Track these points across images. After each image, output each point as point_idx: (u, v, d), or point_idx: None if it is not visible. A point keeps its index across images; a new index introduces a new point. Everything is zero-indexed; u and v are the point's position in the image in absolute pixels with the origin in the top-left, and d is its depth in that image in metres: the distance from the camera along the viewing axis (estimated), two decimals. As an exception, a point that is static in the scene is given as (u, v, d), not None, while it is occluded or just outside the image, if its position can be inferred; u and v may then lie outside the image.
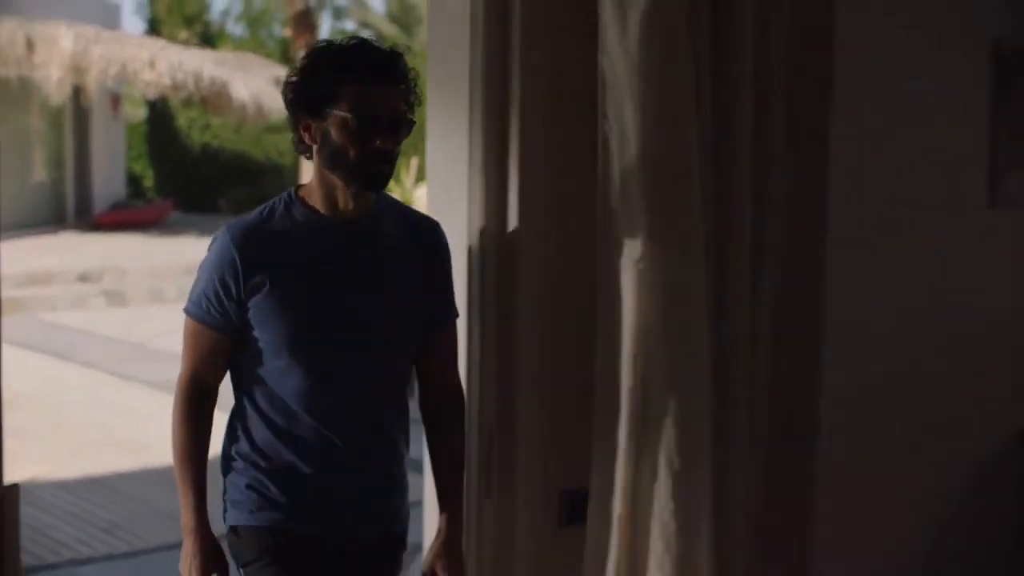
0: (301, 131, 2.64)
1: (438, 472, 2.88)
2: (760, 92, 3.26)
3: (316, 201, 2.67)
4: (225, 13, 41.02)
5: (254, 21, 32.28)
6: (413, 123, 2.63)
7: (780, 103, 3.30)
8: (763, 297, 3.33)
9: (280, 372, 2.66)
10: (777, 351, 3.38)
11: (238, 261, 2.60)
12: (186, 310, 2.70)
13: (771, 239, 3.34)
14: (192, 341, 2.71)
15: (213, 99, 19.28)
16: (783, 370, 3.42)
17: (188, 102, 21.52)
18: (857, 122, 3.61)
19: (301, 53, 2.69)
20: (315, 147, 2.63)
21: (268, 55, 26.31)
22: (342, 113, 2.55)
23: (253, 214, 2.68)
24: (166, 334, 12.87)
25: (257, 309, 2.62)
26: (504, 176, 3.30)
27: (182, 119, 25.61)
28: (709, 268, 3.20)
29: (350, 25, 32.58)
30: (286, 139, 28.76)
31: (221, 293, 2.63)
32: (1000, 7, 3.93)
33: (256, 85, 19.89)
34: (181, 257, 17.74)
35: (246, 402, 2.72)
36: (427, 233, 2.80)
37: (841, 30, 3.52)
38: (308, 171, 2.72)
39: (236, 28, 32.87)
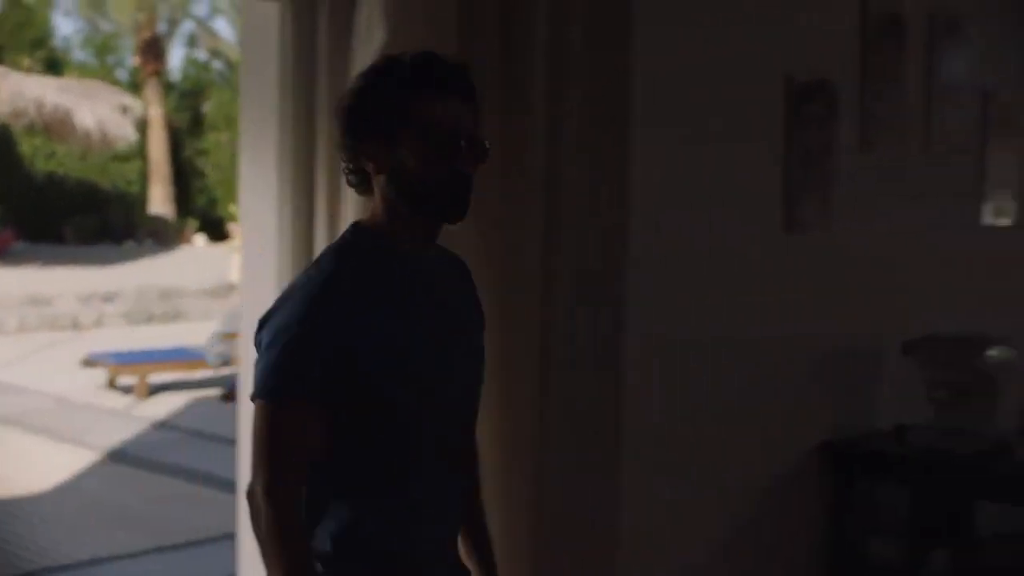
0: (363, 160, 2.29)
1: (475, 530, 2.57)
2: (553, 125, 3.39)
3: (384, 238, 2.28)
4: (70, 40, 40.32)
5: (101, 48, 31.81)
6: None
7: (574, 134, 3.43)
8: (557, 313, 3.45)
9: (386, 438, 2.25)
10: (575, 369, 3.50)
11: (329, 322, 2.16)
12: (274, 395, 2.16)
13: (568, 264, 3.46)
14: (286, 431, 2.16)
15: (56, 126, 19.02)
16: (582, 389, 3.54)
17: (31, 129, 21.14)
18: (657, 152, 3.75)
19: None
20: (382, 177, 2.27)
21: (115, 83, 25.96)
22: (418, 134, 2.22)
23: (327, 264, 2.26)
24: (5, 365, 12.73)
25: (356, 372, 2.17)
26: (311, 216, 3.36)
27: (25, 147, 25.12)
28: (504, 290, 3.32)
29: (201, 54, 32.32)
30: (134, 167, 28.63)
31: (314, 364, 2.15)
32: (791, 42, 4.14)
33: (102, 112, 19.63)
34: (23, 287, 17.38)
35: (333, 491, 2.26)
36: (466, 271, 2.52)
37: (640, 65, 3.67)
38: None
39: (82, 55, 32.37)
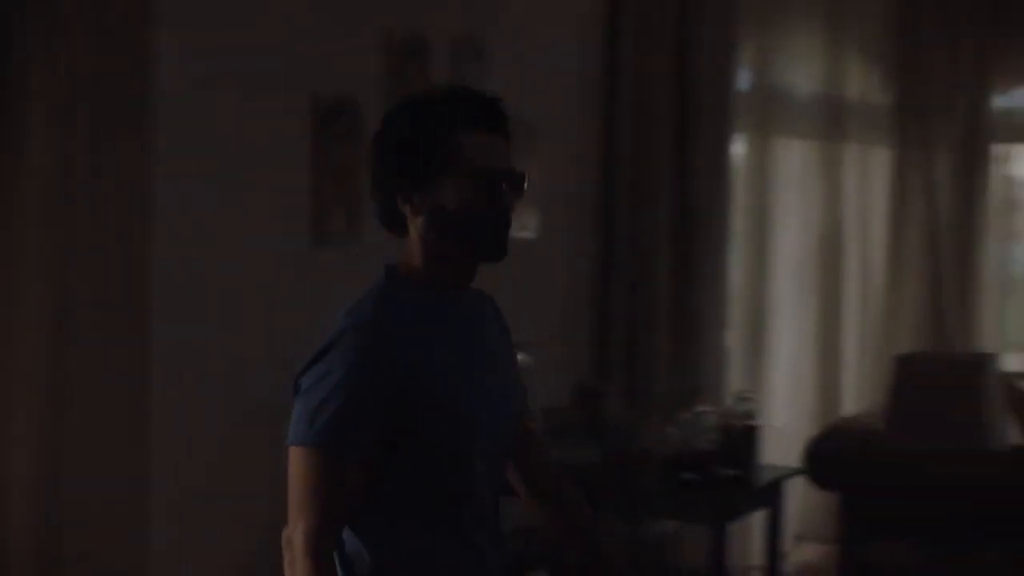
0: (399, 201, 2.19)
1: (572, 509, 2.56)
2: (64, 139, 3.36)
3: (421, 280, 2.22)
4: None
5: None
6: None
7: (87, 147, 3.41)
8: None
9: (422, 482, 2.20)
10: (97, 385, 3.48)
11: (376, 367, 2.11)
12: (318, 442, 2.11)
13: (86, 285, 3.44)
14: (330, 478, 2.11)
15: None
16: (106, 404, 3.51)
17: None
18: (182, 166, 3.76)
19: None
20: (420, 219, 2.18)
21: None
22: (458, 173, 2.15)
23: (368, 309, 2.19)
24: None
25: (404, 417, 2.14)
26: None
27: None
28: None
29: None
30: None
31: (362, 410, 2.11)
32: (317, 61, 4.25)
33: None
34: None
35: (371, 541, 2.20)
36: (495, 308, 2.45)
37: (163, 77, 3.66)
38: None
39: None
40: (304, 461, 2.12)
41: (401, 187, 2.18)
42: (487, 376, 2.28)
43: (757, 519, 5.34)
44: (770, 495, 4.61)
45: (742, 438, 4.35)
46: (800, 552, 6.28)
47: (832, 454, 5.34)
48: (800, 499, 6.07)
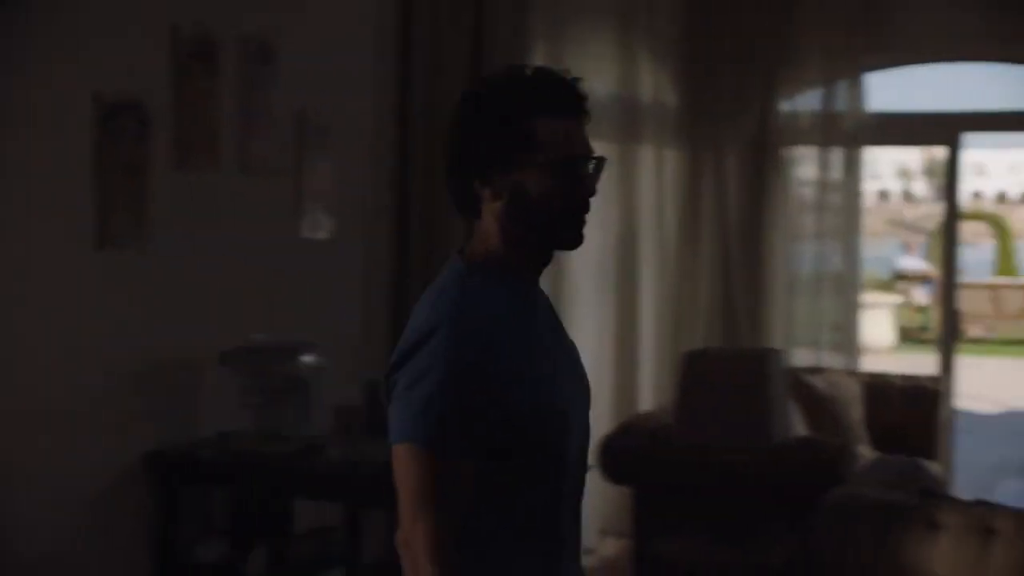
0: (477, 185, 2.15)
1: None
2: None
3: (498, 267, 2.17)
4: None
5: None
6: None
7: None
8: None
9: (537, 478, 2.15)
10: None
11: (477, 360, 2.05)
12: (430, 441, 2.04)
13: None
14: (445, 478, 2.04)
15: None
16: None
17: None
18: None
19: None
20: (499, 204, 2.14)
21: None
22: (542, 157, 2.10)
23: (453, 298, 2.12)
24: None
25: (505, 412, 2.07)
26: None
27: None
28: None
29: None
30: None
31: (470, 404, 2.04)
32: (100, 60, 4.19)
33: None
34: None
35: (482, 536, 2.12)
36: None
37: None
38: None
39: None
40: (417, 460, 2.04)
41: (481, 171, 2.14)
42: (567, 366, 2.26)
43: (585, 514, 5.44)
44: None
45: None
46: (605, 546, 6.43)
47: (624, 450, 5.47)
48: (603, 495, 6.21)
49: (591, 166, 2.16)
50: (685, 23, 6.86)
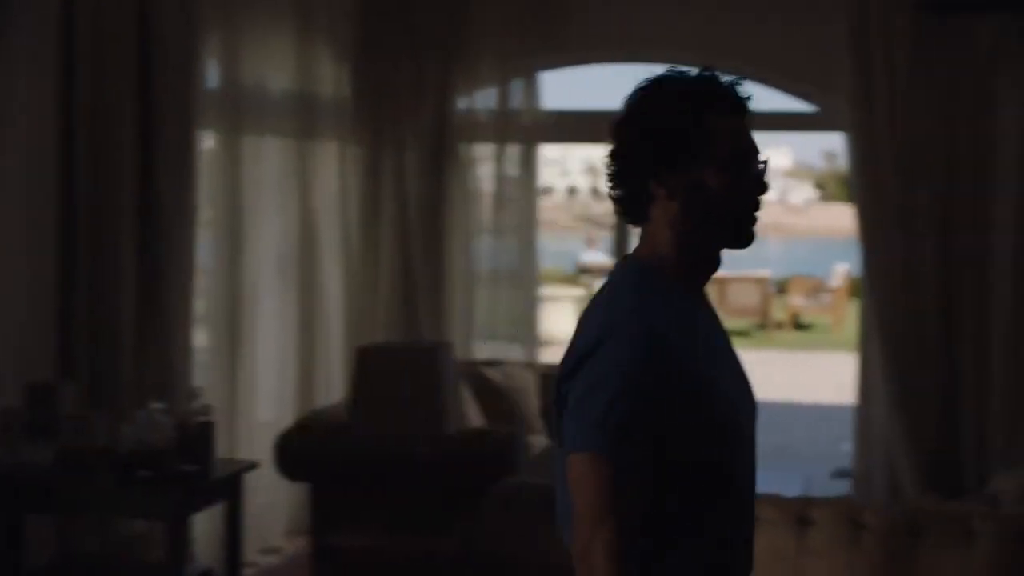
0: (652, 187, 2.10)
1: None
2: None
3: (672, 272, 2.13)
4: None
5: None
6: None
7: None
8: None
9: (716, 491, 2.08)
10: None
11: (657, 369, 2.01)
12: (613, 450, 1.98)
13: None
14: (627, 488, 1.99)
15: None
16: None
17: None
18: None
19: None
20: (675, 204, 2.10)
21: None
22: (721, 155, 2.08)
23: (630, 306, 2.07)
24: None
25: (683, 424, 2.02)
26: None
27: None
28: None
29: None
30: None
31: (650, 413, 2.00)
32: None
33: None
34: None
35: (655, 550, 2.05)
36: None
37: None
38: None
39: None
40: (597, 469, 1.99)
41: (656, 172, 2.10)
42: (738, 376, 2.23)
43: (257, 513, 5.42)
44: (229, 489, 4.65)
45: (197, 434, 4.36)
46: (292, 544, 6.38)
47: (299, 447, 5.45)
48: (290, 493, 6.17)
49: (762, 165, 2.16)
50: (363, 18, 6.86)
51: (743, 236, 2.16)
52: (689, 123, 2.10)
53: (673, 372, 2.03)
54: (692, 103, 2.11)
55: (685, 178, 2.11)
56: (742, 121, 2.16)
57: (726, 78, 2.17)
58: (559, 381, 2.11)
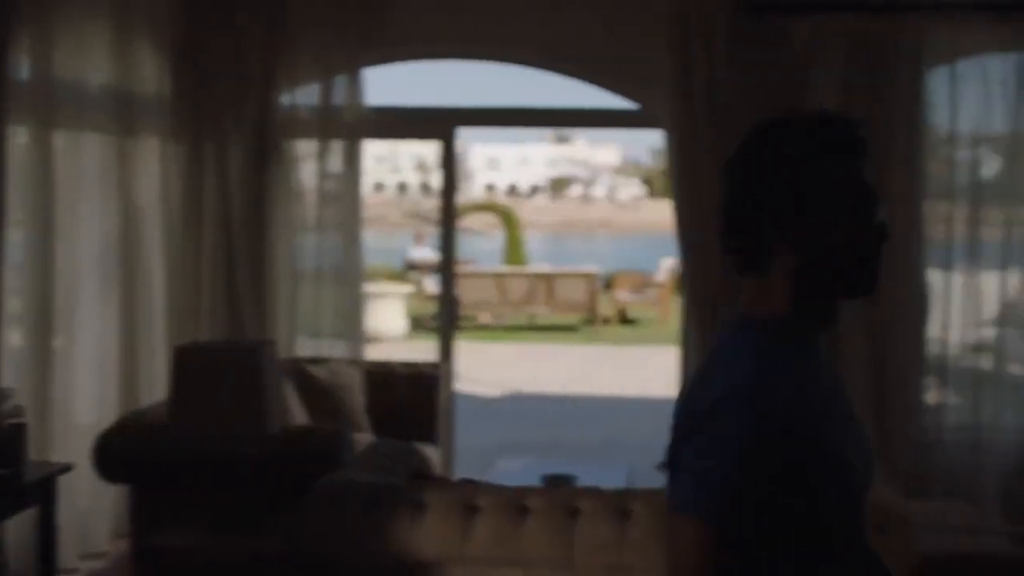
0: (771, 237, 2.00)
1: None
2: None
3: (792, 329, 2.03)
4: None
5: None
6: None
7: None
8: None
9: (822, 552, 2.00)
10: None
11: (770, 439, 1.91)
12: (712, 516, 1.94)
13: None
14: (721, 558, 1.95)
15: None
16: None
17: None
18: None
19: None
20: (795, 257, 1.99)
21: None
22: (844, 204, 1.97)
23: (747, 369, 1.97)
24: None
25: (801, 489, 1.95)
26: None
27: None
28: None
29: None
30: None
31: (755, 488, 1.92)
32: None
33: None
34: None
35: None
36: None
37: None
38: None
39: None
40: (698, 535, 1.95)
41: (781, 224, 1.99)
42: (858, 442, 2.11)
43: (79, 518, 5.28)
44: (42, 493, 4.53)
45: (9, 436, 4.24)
46: (117, 548, 6.27)
47: (119, 448, 5.34)
48: (117, 496, 6.05)
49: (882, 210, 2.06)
50: (182, 13, 6.75)
51: (869, 286, 2.06)
52: (823, 170, 2.00)
53: (789, 444, 1.95)
54: (823, 147, 2.01)
55: (813, 229, 2.00)
56: (861, 165, 2.04)
57: (846, 118, 2.06)
58: (672, 439, 2.06)
